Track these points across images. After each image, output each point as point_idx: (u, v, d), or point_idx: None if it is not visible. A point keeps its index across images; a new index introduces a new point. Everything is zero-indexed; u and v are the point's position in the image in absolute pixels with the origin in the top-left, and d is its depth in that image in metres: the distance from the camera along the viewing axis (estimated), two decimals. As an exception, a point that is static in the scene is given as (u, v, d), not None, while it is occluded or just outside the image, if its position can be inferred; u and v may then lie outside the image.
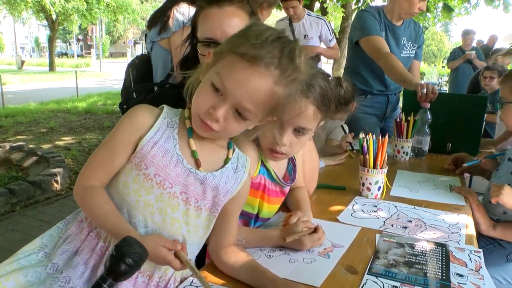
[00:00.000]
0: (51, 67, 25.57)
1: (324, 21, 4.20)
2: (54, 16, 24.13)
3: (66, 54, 50.34)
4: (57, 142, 6.44)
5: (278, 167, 1.37)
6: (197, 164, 1.02)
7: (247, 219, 1.36)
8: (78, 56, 47.26)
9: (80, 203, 1.02)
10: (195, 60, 1.45)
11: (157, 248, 0.92)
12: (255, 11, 1.48)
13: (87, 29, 35.34)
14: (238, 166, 1.09)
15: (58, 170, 4.44)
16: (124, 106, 1.91)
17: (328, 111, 1.24)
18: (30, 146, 5.75)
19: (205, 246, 1.30)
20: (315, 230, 1.20)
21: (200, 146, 1.03)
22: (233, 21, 1.38)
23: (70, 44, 57.51)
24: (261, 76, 0.90)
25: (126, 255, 0.72)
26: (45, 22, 26.82)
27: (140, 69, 1.96)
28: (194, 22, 1.46)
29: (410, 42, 2.87)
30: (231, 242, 1.11)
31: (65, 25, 27.57)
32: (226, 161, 1.07)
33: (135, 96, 1.74)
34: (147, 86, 1.69)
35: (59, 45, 52.43)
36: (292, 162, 1.42)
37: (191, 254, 1.08)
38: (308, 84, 1.12)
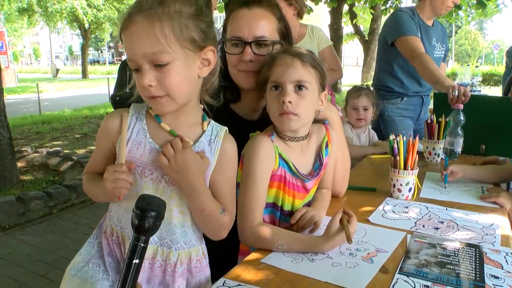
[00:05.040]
0: (84, 74, 26.34)
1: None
2: (86, 25, 24.89)
3: (98, 62, 51.79)
4: (90, 147, 6.63)
5: (303, 163, 1.38)
6: None
7: (273, 211, 1.37)
8: (109, 63, 48.46)
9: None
10: (224, 61, 1.48)
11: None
12: (283, 17, 1.51)
13: (118, 37, 36.16)
14: (212, 138, 1.10)
15: (93, 174, 4.57)
16: (117, 98, 2.05)
17: (317, 66, 1.27)
18: (66, 151, 5.95)
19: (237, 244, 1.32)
20: (345, 214, 1.21)
21: (174, 128, 1.06)
22: (261, 23, 1.42)
23: (102, 52, 59.03)
24: None
25: (147, 210, 0.77)
26: (78, 31, 27.65)
27: None
28: (225, 24, 1.50)
29: (439, 43, 2.86)
30: (232, 214, 1.15)
31: (97, 33, 28.37)
32: (201, 135, 1.09)
33: None
34: None
35: (91, 53, 53.95)
36: (319, 161, 1.43)
37: (196, 234, 1.12)
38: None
